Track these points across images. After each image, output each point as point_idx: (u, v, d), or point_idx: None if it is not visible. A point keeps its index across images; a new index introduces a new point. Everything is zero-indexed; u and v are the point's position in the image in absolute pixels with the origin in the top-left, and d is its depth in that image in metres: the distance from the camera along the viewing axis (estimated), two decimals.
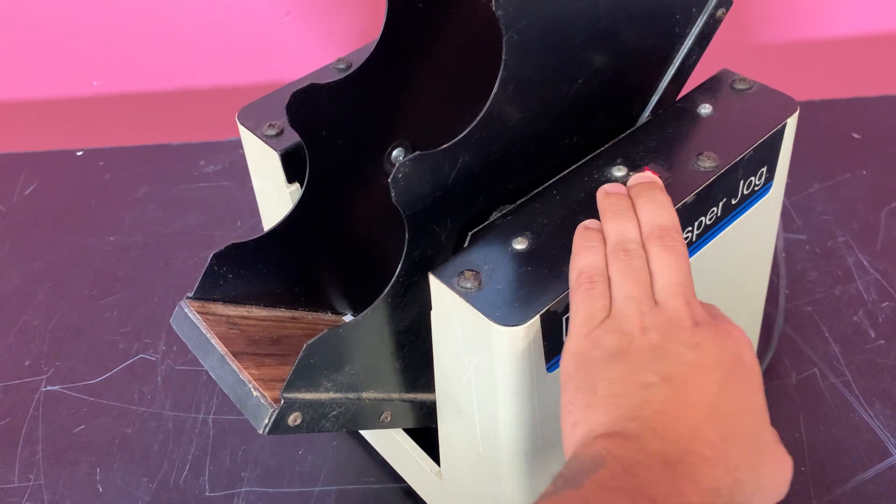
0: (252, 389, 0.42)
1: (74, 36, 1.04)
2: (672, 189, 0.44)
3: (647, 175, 0.44)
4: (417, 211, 0.42)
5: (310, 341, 0.41)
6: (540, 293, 0.39)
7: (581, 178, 0.45)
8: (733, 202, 0.47)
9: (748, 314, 0.57)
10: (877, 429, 0.62)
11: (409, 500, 0.60)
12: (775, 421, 0.62)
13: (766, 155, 0.48)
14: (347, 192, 0.51)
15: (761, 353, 0.66)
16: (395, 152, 0.53)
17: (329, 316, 0.56)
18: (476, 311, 0.39)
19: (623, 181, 0.45)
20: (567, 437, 0.36)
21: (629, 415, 0.34)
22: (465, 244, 0.45)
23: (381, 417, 0.48)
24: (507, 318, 0.38)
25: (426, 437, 0.56)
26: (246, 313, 0.50)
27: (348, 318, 0.57)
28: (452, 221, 0.44)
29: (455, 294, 0.40)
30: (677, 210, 0.43)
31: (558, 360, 0.42)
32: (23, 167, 0.92)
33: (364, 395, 0.46)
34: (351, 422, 0.46)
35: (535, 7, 0.40)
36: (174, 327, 0.47)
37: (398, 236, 0.42)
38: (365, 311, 0.43)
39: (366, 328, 0.44)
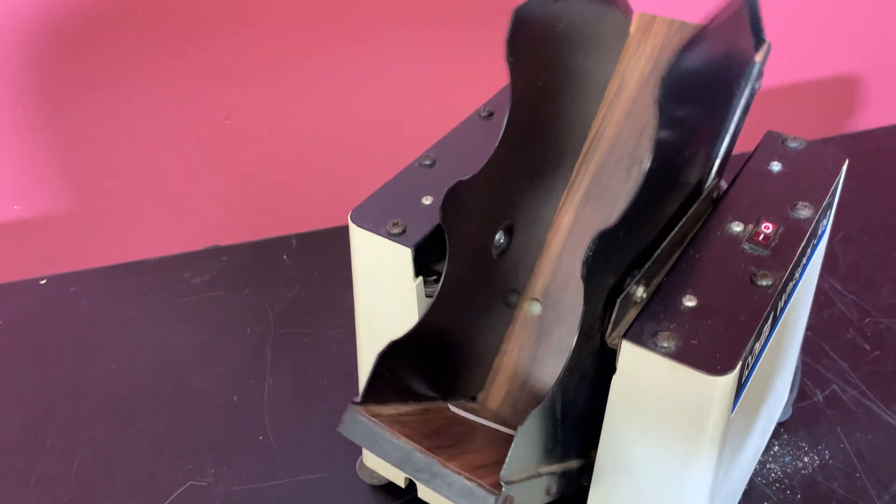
0: (466, 480, 0.43)
1: None
2: (788, 238, 0.50)
3: None
4: (593, 285, 0.45)
5: (523, 424, 0.43)
6: (732, 341, 0.43)
7: (707, 236, 0.50)
8: (814, 242, 0.54)
9: (797, 347, 0.64)
10: None
11: None
12: (821, 436, 0.69)
13: (832, 199, 0.55)
14: (465, 280, 0.53)
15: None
16: (496, 235, 0.55)
17: (441, 403, 0.57)
18: (686, 367, 0.42)
19: (743, 236, 0.50)
20: None
21: None
22: (614, 312, 0.48)
23: (546, 490, 0.50)
24: (717, 368, 0.42)
25: None
26: (396, 411, 0.50)
27: (450, 405, 0.58)
28: (607, 292, 0.48)
29: (657, 355, 0.43)
30: (797, 257, 0.49)
31: (738, 401, 0.46)
32: None
33: (541, 469, 0.48)
34: (532, 499, 0.48)
35: (685, 88, 0.45)
36: (345, 434, 0.46)
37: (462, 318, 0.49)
38: (552, 388, 0.45)
39: (554, 404, 0.46)
